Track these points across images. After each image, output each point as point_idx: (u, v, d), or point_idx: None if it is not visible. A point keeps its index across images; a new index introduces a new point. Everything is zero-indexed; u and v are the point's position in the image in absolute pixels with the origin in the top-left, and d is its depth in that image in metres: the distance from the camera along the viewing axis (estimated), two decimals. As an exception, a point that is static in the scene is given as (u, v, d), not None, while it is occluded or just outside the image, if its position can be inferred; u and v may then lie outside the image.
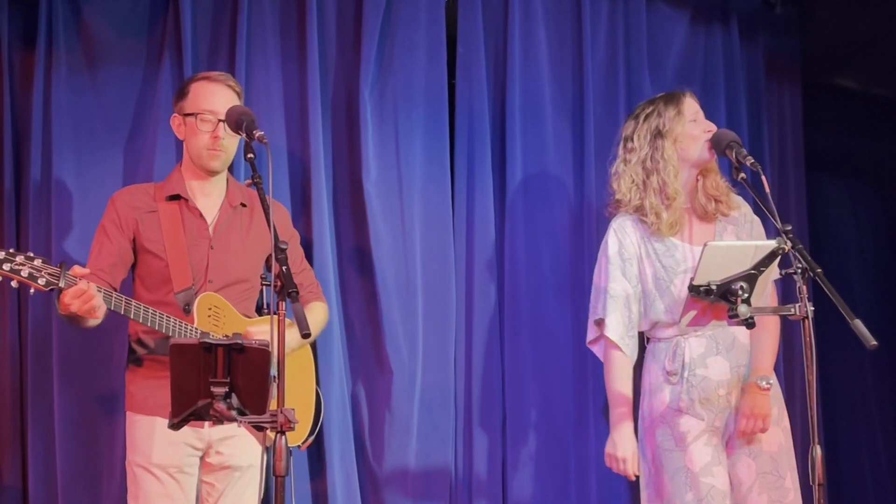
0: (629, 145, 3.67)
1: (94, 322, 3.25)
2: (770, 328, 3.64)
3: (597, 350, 3.68)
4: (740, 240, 3.60)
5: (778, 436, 3.53)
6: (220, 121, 3.37)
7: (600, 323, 3.60)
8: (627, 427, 3.53)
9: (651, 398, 3.58)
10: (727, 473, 3.48)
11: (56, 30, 3.93)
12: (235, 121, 3.11)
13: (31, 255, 3.08)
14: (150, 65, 4.02)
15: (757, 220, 3.70)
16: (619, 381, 3.57)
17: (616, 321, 3.56)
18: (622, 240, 3.60)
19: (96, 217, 3.82)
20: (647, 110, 3.66)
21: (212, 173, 3.45)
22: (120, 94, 4.00)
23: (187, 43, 3.95)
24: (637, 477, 3.54)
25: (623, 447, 3.51)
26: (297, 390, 3.51)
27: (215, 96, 3.42)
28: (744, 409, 3.49)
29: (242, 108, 3.22)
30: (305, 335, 2.72)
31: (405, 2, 4.21)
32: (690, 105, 3.64)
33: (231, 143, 3.40)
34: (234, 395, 2.61)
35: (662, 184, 3.57)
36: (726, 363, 3.51)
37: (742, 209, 3.67)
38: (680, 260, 3.57)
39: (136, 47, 4.02)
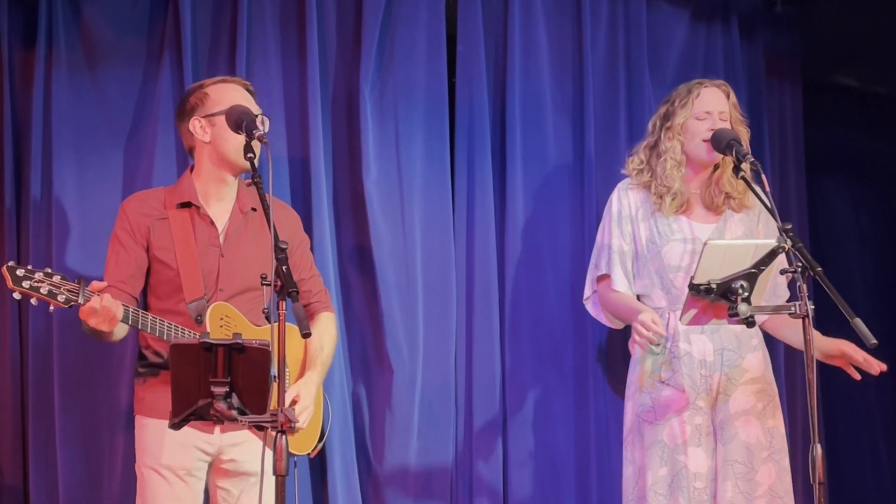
0: (648, 127, 3.79)
1: (118, 335, 3.26)
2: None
3: (591, 306, 3.80)
4: (749, 230, 3.62)
5: (757, 430, 3.54)
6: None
7: (601, 279, 3.71)
8: (648, 308, 3.57)
9: (636, 368, 3.66)
10: (707, 456, 3.50)
11: (56, 29, 3.93)
12: (236, 120, 3.11)
13: (50, 271, 3.09)
14: (150, 64, 4.01)
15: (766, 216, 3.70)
16: (625, 299, 3.64)
17: (620, 275, 3.68)
18: (622, 199, 3.73)
19: (96, 215, 3.83)
20: (671, 94, 3.74)
21: (238, 172, 3.41)
22: (120, 93, 3.99)
23: (187, 42, 3.95)
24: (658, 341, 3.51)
25: (645, 315, 3.47)
26: None
27: (242, 94, 3.41)
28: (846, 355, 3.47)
29: (242, 107, 3.21)
30: (305, 335, 2.72)
31: (405, 0, 4.21)
32: (706, 100, 3.65)
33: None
34: (234, 394, 2.62)
35: (661, 171, 3.64)
36: (710, 344, 3.55)
37: (756, 209, 3.68)
38: (675, 229, 3.63)
39: (135, 47, 4.02)
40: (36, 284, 3.06)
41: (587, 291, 3.79)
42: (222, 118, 3.31)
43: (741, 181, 3.46)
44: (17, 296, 3.07)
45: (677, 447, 3.50)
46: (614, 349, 4.25)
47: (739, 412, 3.53)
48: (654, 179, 3.67)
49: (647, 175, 3.69)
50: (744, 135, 3.67)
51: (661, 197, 3.64)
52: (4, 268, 3.05)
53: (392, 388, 4.05)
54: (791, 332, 3.68)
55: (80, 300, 3.07)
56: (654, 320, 3.46)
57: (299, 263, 3.51)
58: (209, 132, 3.39)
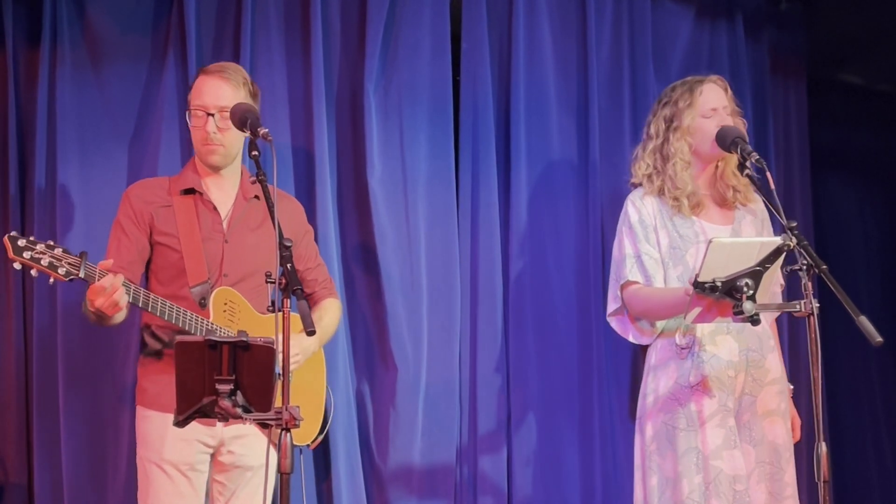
0: (649, 131, 3.71)
1: (118, 318, 3.25)
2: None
3: (616, 323, 3.67)
4: (758, 231, 3.59)
5: (782, 430, 3.53)
6: (209, 115, 3.36)
7: (625, 286, 3.58)
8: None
9: (657, 374, 3.57)
10: (740, 457, 3.45)
11: (60, 27, 3.93)
12: (240, 118, 3.10)
13: (52, 243, 3.07)
14: (155, 61, 4.01)
15: (767, 219, 3.70)
16: (661, 290, 3.52)
17: (661, 280, 3.56)
18: (640, 209, 3.63)
19: (101, 213, 3.82)
20: (668, 97, 3.69)
21: (214, 168, 3.44)
22: (124, 90, 3.99)
23: (191, 39, 3.95)
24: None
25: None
26: (307, 388, 3.51)
27: (204, 89, 3.41)
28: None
29: (247, 105, 3.21)
30: (310, 332, 2.72)
31: (409, -2, 4.22)
32: (709, 97, 3.62)
33: (232, 137, 3.38)
34: (239, 392, 2.62)
35: (673, 174, 3.59)
36: (735, 344, 3.51)
37: (760, 205, 3.66)
38: (699, 231, 3.57)
39: (140, 44, 4.02)
40: (37, 255, 3.03)
41: (611, 307, 3.66)
42: (190, 113, 3.38)
43: (746, 177, 3.44)
44: (17, 266, 3.04)
45: (713, 452, 3.43)
46: (619, 347, 4.25)
47: (767, 412, 3.50)
48: (665, 183, 3.61)
49: (659, 180, 3.62)
50: (741, 126, 3.65)
51: (676, 199, 3.59)
52: (6, 237, 3.02)
53: (396, 387, 4.05)
54: None
55: (81, 273, 3.05)
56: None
57: (304, 254, 3.52)
58: (189, 124, 3.44)
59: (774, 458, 3.49)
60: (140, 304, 3.18)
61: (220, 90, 3.39)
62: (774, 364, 3.56)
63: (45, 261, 3.04)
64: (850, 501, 4.88)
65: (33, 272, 3.06)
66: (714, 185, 3.66)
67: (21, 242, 3.04)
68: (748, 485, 3.45)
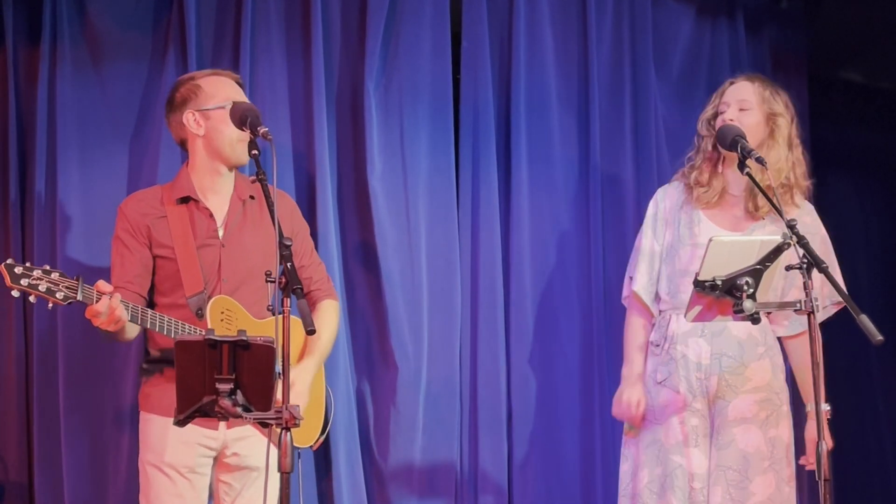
0: None
1: (130, 335, 3.26)
2: (807, 353, 3.67)
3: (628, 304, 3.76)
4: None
5: (758, 439, 3.51)
6: None
7: (631, 281, 3.68)
8: (637, 380, 3.59)
9: None
10: (703, 457, 3.49)
11: (61, 26, 3.93)
12: (240, 117, 3.10)
13: (48, 268, 3.07)
14: (155, 60, 4.02)
15: (821, 235, 3.65)
16: (634, 339, 3.64)
17: (642, 274, 3.65)
18: (659, 203, 3.69)
19: (101, 212, 3.83)
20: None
21: (233, 166, 3.41)
22: (124, 89, 4.00)
23: (192, 38, 3.95)
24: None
25: (630, 393, 3.56)
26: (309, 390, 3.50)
27: (234, 88, 3.41)
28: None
29: (247, 104, 3.21)
30: (310, 332, 2.72)
31: (410, -3, 4.22)
32: (728, 92, 3.63)
33: None
34: (239, 391, 2.62)
35: (696, 166, 3.63)
36: (707, 348, 3.52)
37: (805, 218, 3.57)
38: (695, 233, 3.58)
39: (140, 43, 4.02)
40: (34, 282, 3.04)
41: (625, 291, 3.75)
42: (218, 112, 3.35)
43: (746, 175, 3.44)
44: (15, 293, 3.05)
45: (672, 447, 3.49)
46: (621, 344, 4.24)
47: (738, 419, 3.49)
48: (691, 172, 3.65)
49: (689, 170, 3.67)
50: (783, 127, 3.59)
51: (690, 188, 3.61)
52: (2, 265, 3.03)
53: (397, 385, 4.05)
54: (794, 358, 3.68)
55: (79, 297, 3.06)
56: (632, 403, 3.54)
57: (299, 250, 3.50)
58: (203, 125, 3.39)
59: (741, 466, 3.47)
60: (139, 323, 3.18)
61: (243, 95, 3.44)
62: (760, 373, 3.54)
63: (42, 286, 3.05)
64: (851, 500, 4.88)
65: (31, 298, 3.07)
66: (750, 192, 3.58)
67: (18, 269, 3.04)
68: (706, 484, 3.47)
